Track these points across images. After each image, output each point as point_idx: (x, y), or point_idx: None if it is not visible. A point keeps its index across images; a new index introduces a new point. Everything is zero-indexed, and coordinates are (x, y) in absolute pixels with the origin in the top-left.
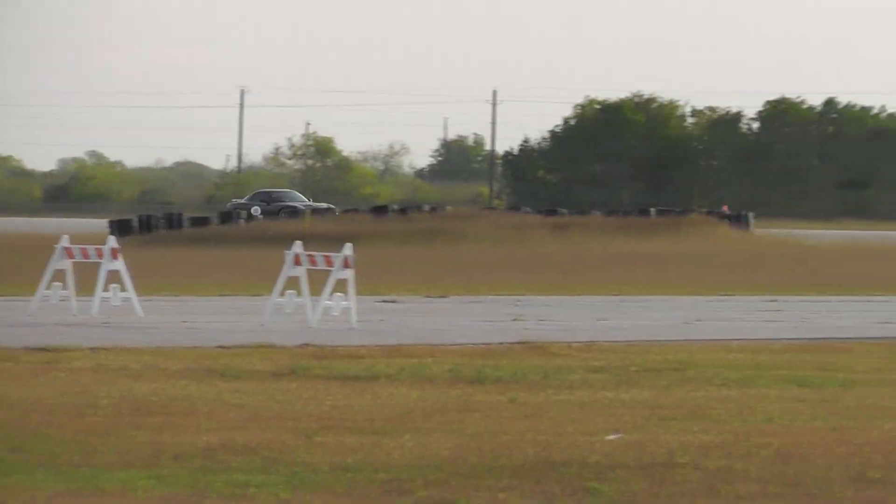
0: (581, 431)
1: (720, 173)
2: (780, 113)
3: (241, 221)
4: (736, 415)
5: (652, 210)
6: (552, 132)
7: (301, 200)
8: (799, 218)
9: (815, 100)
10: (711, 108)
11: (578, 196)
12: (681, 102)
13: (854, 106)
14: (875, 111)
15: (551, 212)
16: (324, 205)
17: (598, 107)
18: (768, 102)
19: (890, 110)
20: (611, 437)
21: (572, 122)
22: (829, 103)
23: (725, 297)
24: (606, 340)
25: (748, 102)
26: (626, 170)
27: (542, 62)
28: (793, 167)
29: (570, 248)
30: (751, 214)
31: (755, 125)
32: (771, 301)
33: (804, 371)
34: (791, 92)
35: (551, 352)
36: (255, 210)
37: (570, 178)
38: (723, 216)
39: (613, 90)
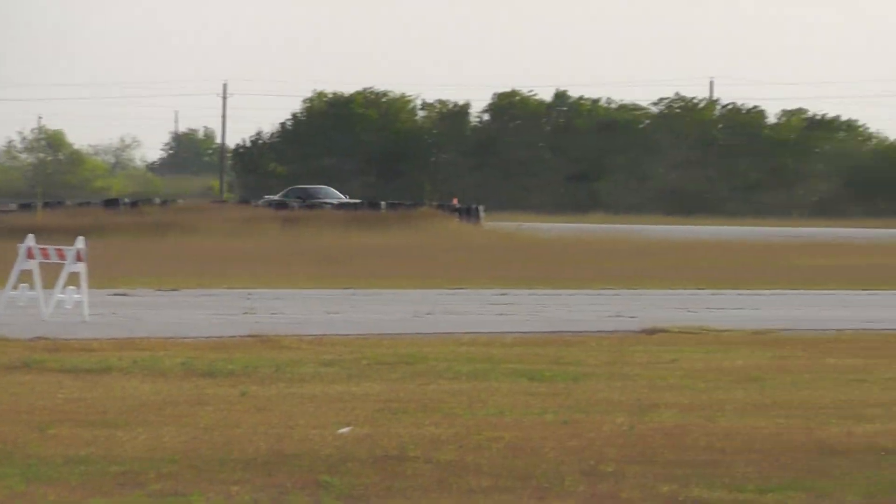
0: (313, 425)
1: (451, 166)
2: (509, 105)
3: None
4: (467, 408)
5: (382, 203)
6: (283, 126)
7: (336, 197)
8: (530, 210)
9: (546, 92)
10: (442, 102)
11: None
12: (412, 96)
13: (584, 98)
14: (604, 103)
15: (282, 205)
16: (356, 200)
17: (326, 101)
18: (497, 95)
19: (619, 102)
20: (342, 430)
21: (302, 116)
22: (560, 96)
23: (456, 290)
24: (338, 334)
25: (481, 95)
26: (357, 164)
27: (274, 56)
28: (523, 160)
29: (300, 241)
30: (481, 207)
31: (486, 118)
32: (502, 294)
33: (536, 364)
34: (523, 85)
35: (283, 345)
36: (291, 207)
37: (300, 171)
38: (453, 209)
39: (347, 84)
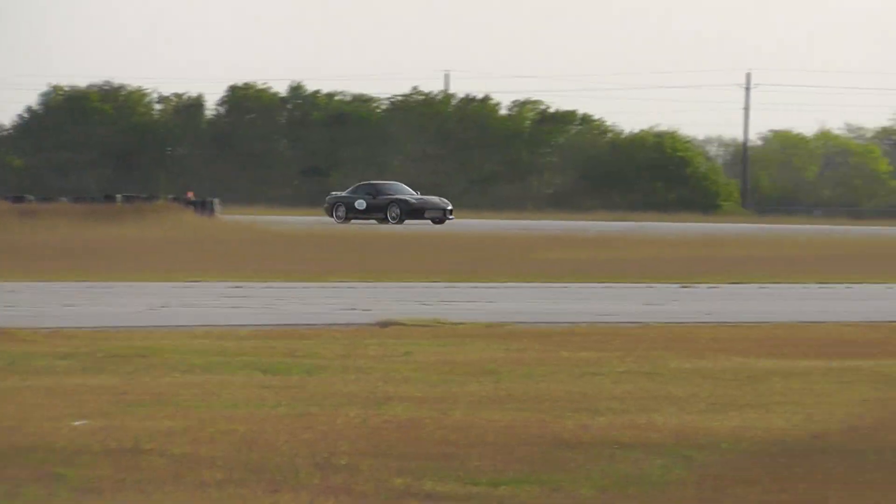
0: (47, 417)
1: (187, 159)
2: (244, 98)
3: None
4: (202, 401)
5: (118, 196)
6: (20, 118)
7: (409, 193)
8: (266, 204)
9: (282, 86)
10: (178, 95)
11: (48, 183)
12: (148, 90)
13: (320, 92)
14: (338, 96)
15: (18, 198)
16: (436, 198)
17: (62, 95)
18: (231, 87)
19: (353, 95)
20: (77, 423)
21: (39, 110)
22: (296, 89)
23: (192, 283)
24: (73, 326)
25: (219, 88)
26: (93, 157)
27: (12, 48)
28: (259, 153)
29: (38, 234)
30: (216, 200)
31: (222, 111)
32: (237, 287)
33: (270, 357)
34: (264, 77)
35: (18, 338)
36: (360, 204)
37: (37, 164)
38: (188, 202)
39: (84, 78)
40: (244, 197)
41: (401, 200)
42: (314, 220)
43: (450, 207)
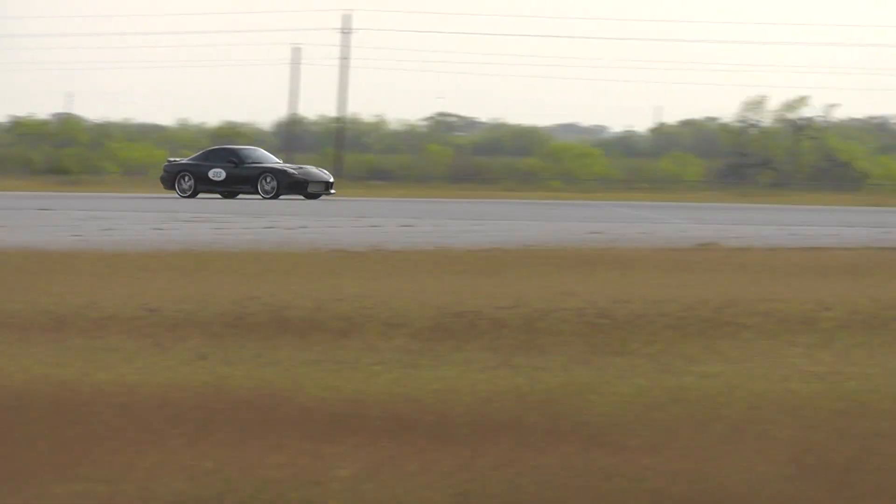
0: None
1: None
2: None
3: None
4: None
5: None
6: None
7: (276, 161)
8: None
9: None
10: None
11: None
12: None
13: None
14: None
15: None
16: (315, 169)
17: None
18: None
19: None
20: None
21: None
22: None
23: None
24: None
25: None
26: None
27: None
28: None
29: None
30: None
31: None
32: None
33: None
34: None
35: None
36: (217, 173)
37: None
38: None
39: None
40: None
41: (277, 171)
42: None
43: (331, 180)
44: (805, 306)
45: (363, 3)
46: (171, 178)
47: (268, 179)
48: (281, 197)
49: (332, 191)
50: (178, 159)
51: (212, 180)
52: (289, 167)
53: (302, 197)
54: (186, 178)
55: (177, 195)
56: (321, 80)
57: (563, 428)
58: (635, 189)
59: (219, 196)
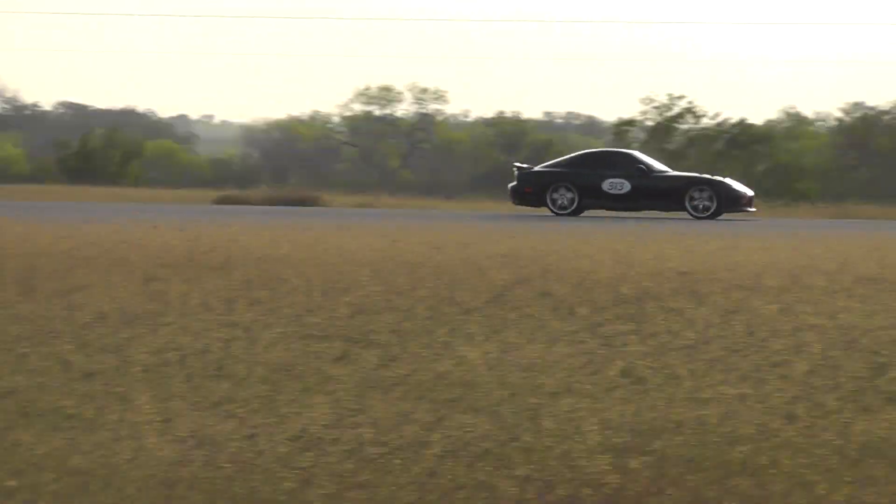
0: None
1: None
2: None
3: None
4: None
5: None
6: None
7: (679, 171)
8: None
9: None
10: None
11: None
12: None
13: None
14: None
15: None
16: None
17: None
18: None
19: None
20: None
21: None
22: None
23: None
24: None
25: None
26: None
27: None
28: None
29: None
30: None
31: None
32: None
33: None
34: None
35: None
36: (617, 185)
37: None
38: None
39: None
40: None
41: (714, 182)
42: None
43: (752, 194)
44: None
45: None
46: (537, 190)
47: (701, 194)
48: (720, 217)
49: (753, 208)
50: (530, 167)
51: (608, 193)
52: (725, 179)
53: (727, 216)
54: (565, 191)
55: (550, 212)
56: None
57: None
58: None
59: (613, 213)
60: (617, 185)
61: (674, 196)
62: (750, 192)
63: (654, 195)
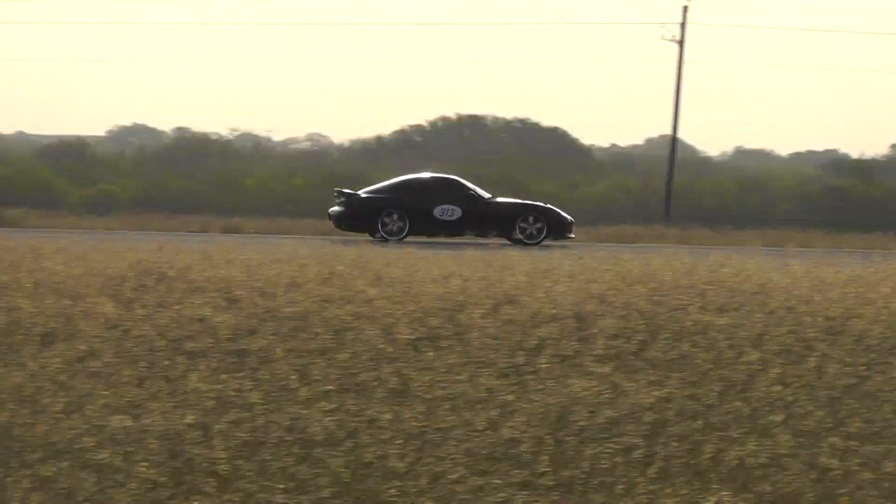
0: None
1: None
2: None
3: None
4: None
5: None
6: None
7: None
8: None
9: None
10: None
11: None
12: None
13: None
14: None
15: None
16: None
17: None
18: None
19: None
20: None
21: None
22: None
23: None
24: None
25: None
26: None
27: None
28: None
29: None
30: None
31: None
32: None
33: None
34: None
35: None
36: (447, 212)
37: None
38: None
39: None
40: None
41: (541, 209)
42: None
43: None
44: None
45: None
46: (367, 215)
47: (531, 220)
48: (544, 243)
49: (573, 234)
50: (356, 192)
51: (437, 220)
52: (549, 205)
53: (552, 241)
54: (394, 216)
55: (378, 237)
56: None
57: None
58: None
59: (435, 239)
60: (448, 211)
61: (502, 222)
62: (571, 219)
63: (480, 221)
